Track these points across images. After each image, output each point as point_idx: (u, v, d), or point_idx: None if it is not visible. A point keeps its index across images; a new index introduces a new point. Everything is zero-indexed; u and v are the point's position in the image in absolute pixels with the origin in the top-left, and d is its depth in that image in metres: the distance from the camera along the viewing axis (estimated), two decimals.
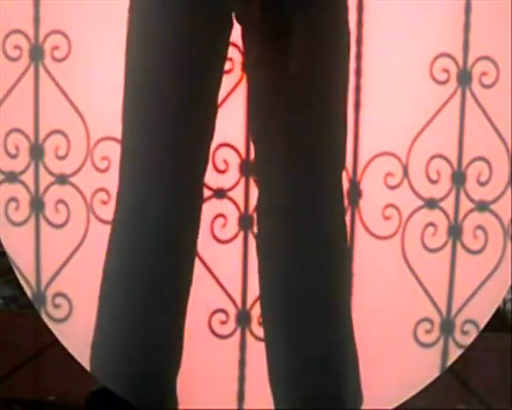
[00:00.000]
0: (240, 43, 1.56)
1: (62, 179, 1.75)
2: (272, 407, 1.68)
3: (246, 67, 1.57)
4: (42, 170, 1.76)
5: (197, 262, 1.71)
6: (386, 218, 1.74)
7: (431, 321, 1.78)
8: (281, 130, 1.48)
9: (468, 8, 1.70)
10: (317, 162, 1.48)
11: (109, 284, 1.50)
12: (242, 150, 1.69)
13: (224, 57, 1.52)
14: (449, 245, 1.76)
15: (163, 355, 1.50)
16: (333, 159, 1.50)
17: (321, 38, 1.45)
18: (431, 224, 1.75)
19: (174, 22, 1.45)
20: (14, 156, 1.76)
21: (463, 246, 1.77)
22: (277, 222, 1.51)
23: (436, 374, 1.78)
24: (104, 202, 1.71)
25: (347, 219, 1.66)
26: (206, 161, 1.54)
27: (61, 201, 1.75)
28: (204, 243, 1.70)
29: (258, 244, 1.56)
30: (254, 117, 1.55)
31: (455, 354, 1.79)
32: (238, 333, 1.74)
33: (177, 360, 1.51)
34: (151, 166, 1.47)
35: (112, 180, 1.63)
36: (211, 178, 1.69)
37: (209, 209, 1.70)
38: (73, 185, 1.74)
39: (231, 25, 1.48)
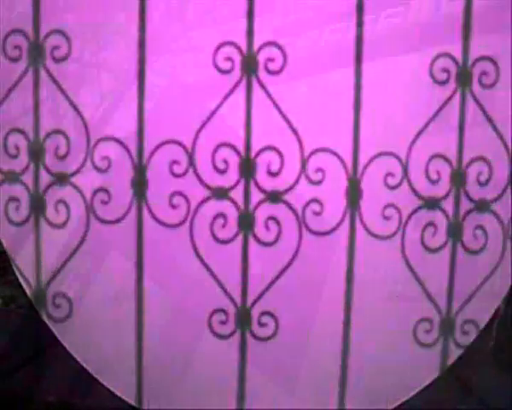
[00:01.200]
0: (240, 43, 1.56)
1: (62, 179, 1.75)
2: (272, 406, 1.68)
3: None
4: (42, 170, 1.76)
5: (197, 262, 1.71)
6: (386, 218, 1.74)
7: (431, 321, 1.77)
8: None
9: (468, 8, 1.70)
10: None
11: None
12: (242, 150, 1.69)
13: None
14: (449, 245, 1.76)
15: None
16: None
17: None
18: (431, 224, 1.75)
19: None
20: (14, 156, 1.76)
21: (463, 246, 1.76)
22: None
23: (436, 374, 1.78)
24: (104, 202, 1.71)
25: (347, 219, 1.66)
26: None
27: (61, 201, 1.75)
28: (204, 242, 1.70)
29: None
30: None
31: (455, 354, 1.79)
32: (238, 333, 1.74)
33: None
34: None
35: (112, 180, 1.64)
36: (211, 178, 1.69)
37: (209, 209, 1.70)
38: (73, 185, 1.74)
39: None
